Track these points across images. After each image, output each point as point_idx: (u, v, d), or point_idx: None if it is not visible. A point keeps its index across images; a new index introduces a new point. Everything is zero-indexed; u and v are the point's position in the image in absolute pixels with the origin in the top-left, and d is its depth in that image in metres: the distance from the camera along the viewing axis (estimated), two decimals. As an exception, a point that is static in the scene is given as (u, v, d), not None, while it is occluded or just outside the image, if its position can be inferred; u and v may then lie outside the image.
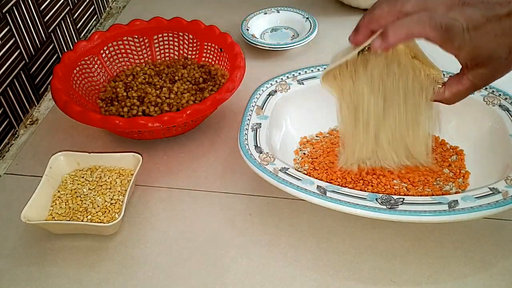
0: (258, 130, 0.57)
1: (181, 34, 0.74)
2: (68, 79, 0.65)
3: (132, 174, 0.58)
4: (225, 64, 0.69)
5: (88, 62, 0.70)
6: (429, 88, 0.48)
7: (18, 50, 0.70)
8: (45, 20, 0.76)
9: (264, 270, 0.50)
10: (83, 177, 0.58)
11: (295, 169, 0.52)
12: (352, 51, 0.46)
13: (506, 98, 0.59)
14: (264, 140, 0.56)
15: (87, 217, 0.54)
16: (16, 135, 0.70)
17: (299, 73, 0.65)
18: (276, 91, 0.63)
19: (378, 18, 0.42)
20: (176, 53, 0.75)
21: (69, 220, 0.54)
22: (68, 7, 0.82)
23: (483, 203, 0.47)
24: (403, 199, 0.48)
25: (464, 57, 0.41)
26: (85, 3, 0.88)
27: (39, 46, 0.75)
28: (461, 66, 0.44)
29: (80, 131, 0.67)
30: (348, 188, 0.51)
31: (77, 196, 0.56)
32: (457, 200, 0.48)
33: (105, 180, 0.57)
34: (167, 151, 0.65)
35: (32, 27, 0.73)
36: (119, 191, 0.56)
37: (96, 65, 0.71)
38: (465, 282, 0.48)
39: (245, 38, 0.80)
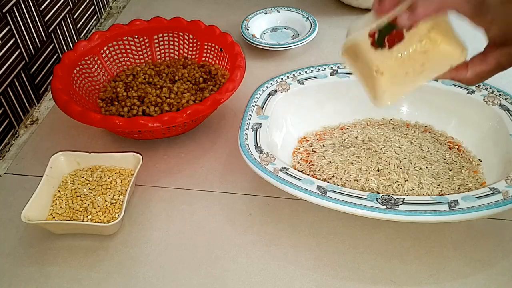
0: (258, 130, 0.57)
1: (181, 34, 0.74)
2: (68, 79, 0.65)
3: (132, 174, 0.58)
4: (225, 64, 0.69)
5: (88, 62, 0.70)
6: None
7: (18, 50, 0.70)
8: (45, 20, 0.76)
9: (264, 270, 0.50)
10: (83, 177, 0.58)
11: (295, 169, 0.52)
12: (374, 21, 0.42)
13: (507, 98, 0.59)
14: (265, 140, 0.56)
15: (87, 217, 0.54)
16: (16, 135, 0.70)
17: (299, 73, 0.65)
18: (276, 91, 0.63)
19: None
20: (176, 53, 0.75)
21: (69, 220, 0.54)
22: (68, 7, 0.82)
23: (483, 203, 0.47)
24: (403, 199, 0.48)
25: (494, 32, 0.39)
26: (85, 3, 0.88)
27: (39, 46, 0.75)
28: (485, 45, 0.41)
29: (80, 131, 0.67)
30: (348, 188, 0.51)
31: (77, 196, 0.56)
32: (457, 200, 0.48)
33: (105, 180, 0.57)
34: (167, 151, 0.65)
35: (32, 27, 0.73)
36: (119, 191, 0.56)
37: (96, 65, 0.71)
38: (465, 282, 0.48)
39: (245, 38, 0.80)
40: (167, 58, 0.75)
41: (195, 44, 0.73)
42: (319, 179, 0.54)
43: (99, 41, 0.71)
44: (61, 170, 0.58)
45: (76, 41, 0.85)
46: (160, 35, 0.74)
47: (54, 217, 0.54)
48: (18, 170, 0.63)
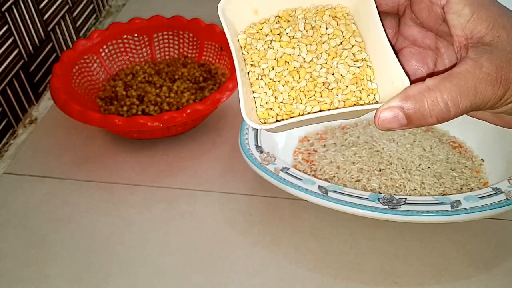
0: (259, 129, 0.57)
1: (181, 32, 0.73)
2: (67, 78, 0.65)
3: (348, 15, 0.34)
4: (225, 63, 0.69)
5: (88, 61, 0.70)
6: None
7: (17, 49, 0.69)
8: (44, 18, 0.76)
9: (264, 271, 0.50)
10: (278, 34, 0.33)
11: (296, 169, 0.52)
12: None
13: (509, 97, 0.59)
14: (265, 139, 0.55)
15: (337, 96, 0.32)
16: (15, 135, 0.69)
17: (300, 72, 0.64)
18: (277, 90, 0.62)
19: None
20: (176, 51, 0.74)
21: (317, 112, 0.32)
22: (67, 6, 0.82)
23: (486, 203, 0.47)
24: (405, 199, 0.48)
25: None
26: (84, 1, 0.88)
27: (38, 45, 0.74)
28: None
29: (79, 130, 0.67)
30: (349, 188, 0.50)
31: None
32: (459, 200, 0.47)
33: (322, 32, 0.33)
34: (167, 151, 0.64)
35: (31, 26, 0.72)
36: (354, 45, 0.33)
37: (96, 64, 0.71)
38: (468, 283, 0.48)
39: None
40: (167, 57, 0.75)
41: (195, 43, 0.73)
42: (320, 179, 0.54)
43: (98, 40, 0.71)
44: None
45: (75, 39, 0.84)
46: (160, 34, 0.74)
47: (267, 109, 0.32)
48: (17, 170, 0.63)
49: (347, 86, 0.32)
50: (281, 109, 0.32)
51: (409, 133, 0.60)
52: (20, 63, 0.70)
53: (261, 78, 0.32)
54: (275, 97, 0.32)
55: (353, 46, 0.33)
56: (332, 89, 0.32)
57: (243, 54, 0.33)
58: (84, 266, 0.51)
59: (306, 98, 0.32)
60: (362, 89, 0.32)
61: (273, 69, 0.32)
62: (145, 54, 0.74)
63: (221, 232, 0.54)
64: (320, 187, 0.49)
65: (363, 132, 0.61)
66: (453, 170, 0.56)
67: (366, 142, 0.59)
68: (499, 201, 0.47)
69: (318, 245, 0.52)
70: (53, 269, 0.51)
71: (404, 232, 0.53)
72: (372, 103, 0.32)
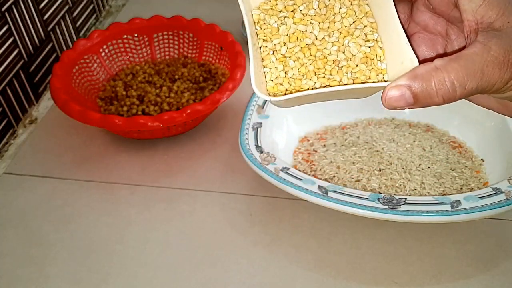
0: (259, 129, 0.57)
1: (181, 32, 0.73)
2: (67, 78, 0.65)
3: None
4: (225, 63, 0.69)
5: (88, 61, 0.70)
6: None
7: (17, 49, 0.69)
8: (44, 18, 0.76)
9: (264, 271, 0.50)
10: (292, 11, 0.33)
11: (296, 169, 0.52)
12: None
13: (509, 97, 0.59)
14: (265, 139, 0.55)
15: (346, 74, 0.33)
16: (15, 135, 0.69)
17: (300, 72, 0.64)
18: (277, 90, 0.62)
19: None
20: (176, 51, 0.74)
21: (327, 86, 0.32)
22: (67, 6, 0.82)
23: (486, 203, 0.47)
24: (405, 199, 0.48)
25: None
26: (84, 1, 0.88)
27: (38, 45, 0.74)
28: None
29: (79, 130, 0.67)
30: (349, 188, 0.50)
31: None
32: (459, 200, 0.47)
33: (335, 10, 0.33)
34: (167, 151, 0.64)
35: (31, 26, 0.72)
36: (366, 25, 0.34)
37: (96, 64, 0.71)
38: (467, 283, 0.48)
39: (246, 37, 0.80)
40: (167, 57, 0.75)
41: (195, 43, 0.73)
42: (320, 179, 0.54)
43: (98, 40, 0.71)
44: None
45: (75, 39, 0.84)
46: (160, 34, 0.74)
47: (277, 84, 0.33)
48: (17, 170, 0.63)
49: (357, 65, 0.33)
50: (290, 85, 0.33)
51: (409, 133, 0.60)
52: (20, 63, 0.70)
53: (273, 53, 0.33)
54: (285, 72, 0.33)
55: (365, 26, 0.33)
56: (342, 67, 0.32)
57: (256, 29, 0.34)
58: (84, 265, 0.51)
59: (315, 75, 0.32)
60: (372, 68, 0.33)
61: (284, 45, 0.33)
62: (145, 54, 0.74)
63: (221, 232, 0.54)
64: (320, 187, 0.49)
65: (363, 132, 0.61)
66: (453, 170, 0.56)
67: (366, 142, 0.59)
68: (499, 201, 0.47)
69: (318, 245, 0.52)
70: (53, 269, 0.51)
71: (404, 232, 0.53)
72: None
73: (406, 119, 0.64)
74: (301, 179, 0.50)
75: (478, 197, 0.48)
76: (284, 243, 0.52)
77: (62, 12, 0.81)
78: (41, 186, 0.60)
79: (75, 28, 0.85)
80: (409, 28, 0.35)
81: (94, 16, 0.92)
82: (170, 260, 0.51)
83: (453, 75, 0.28)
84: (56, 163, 0.63)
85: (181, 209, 0.57)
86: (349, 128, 0.63)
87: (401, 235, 0.52)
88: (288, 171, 0.51)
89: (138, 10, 0.93)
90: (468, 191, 0.52)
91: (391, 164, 0.56)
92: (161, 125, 0.57)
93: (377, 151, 0.58)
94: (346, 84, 0.32)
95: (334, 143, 0.60)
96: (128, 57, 0.73)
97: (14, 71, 0.69)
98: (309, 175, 0.53)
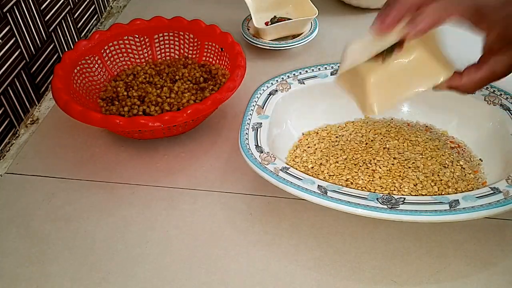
0: (259, 129, 0.57)
1: (181, 33, 0.74)
2: (69, 78, 0.65)
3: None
4: (225, 63, 0.69)
5: (89, 61, 0.70)
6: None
7: (19, 50, 0.70)
8: (46, 19, 0.76)
9: (264, 270, 0.50)
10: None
11: (294, 168, 0.52)
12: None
13: (507, 98, 0.59)
14: (265, 139, 0.56)
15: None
16: (17, 135, 0.69)
17: (300, 73, 0.65)
18: (276, 91, 0.63)
19: (406, 3, 0.41)
20: (177, 52, 0.75)
21: None
22: (69, 7, 0.82)
23: (484, 203, 0.47)
24: (404, 198, 0.48)
25: (493, 36, 0.40)
26: (86, 2, 0.88)
27: (39, 46, 0.75)
28: (481, 55, 0.43)
29: (80, 131, 0.67)
30: (349, 188, 0.51)
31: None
32: (458, 200, 0.48)
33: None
34: (168, 151, 0.64)
35: (33, 27, 0.73)
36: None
37: (97, 65, 0.71)
38: (466, 282, 0.48)
39: (246, 38, 0.80)
40: (168, 58, 0.75)
41: (195, 44, 0.73)
42: (320, 178, 0.54)
43: (100, 41, 0.71)
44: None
45: (76, 40, 0.85)
46: (161, 35, 0.74)
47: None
48: (19, 170, 0.63)
49: None
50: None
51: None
52: (22, 63, 0.70)
53: None
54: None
55: None
56: None
57: None
58: (85, 265, 0.52)
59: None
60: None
61: None
62: (146, 54, 0.75)
63: (221, 231, 0.54)
64: (319, 186, 0.50)
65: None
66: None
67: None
68: (497, 201, 0.47)
69: (318, 244, 0.52)
70: (55, 268, 0.51)
71: (403, 232, 0.53)
72: None
73: (404, 119, 0.64)
74: (301, 179, 0.51)
75: (477, 197, 0.48)
76: (284, 242, 0.53)
77: (64, 13, 0.81)
78: (42, 186, 0.60)
79: (76, 29, 0.85)
80: None
81: (95, 17, 0.92)
82: (170, 260, 0.52)
83: None
84: (58, 163, 0.63)
85: (182, 209, 0.57)
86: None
87: (400, 234, 0.53)
88: (288, 171, 0.52)
89: (139, 11, 0.93)
90: (467, 191, 0.52)
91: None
92: (162, 125, 0.57)
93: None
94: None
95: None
96: (129, 57, 0.74)
97: (16, 72, 0.69)
98: (308, 174, 0.53)
